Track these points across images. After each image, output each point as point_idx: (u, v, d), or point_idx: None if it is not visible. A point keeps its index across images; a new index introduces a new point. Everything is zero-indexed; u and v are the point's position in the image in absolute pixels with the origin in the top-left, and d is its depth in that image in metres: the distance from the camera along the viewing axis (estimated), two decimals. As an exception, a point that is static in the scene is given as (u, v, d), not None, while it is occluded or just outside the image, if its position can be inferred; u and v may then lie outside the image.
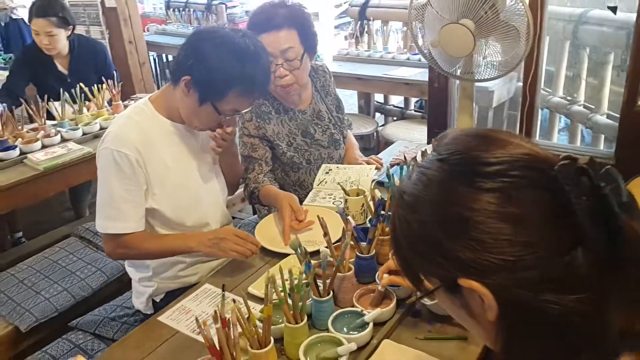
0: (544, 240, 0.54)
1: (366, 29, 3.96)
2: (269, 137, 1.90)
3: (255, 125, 1.88)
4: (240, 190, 2.02)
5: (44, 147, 2.41)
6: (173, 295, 1.61)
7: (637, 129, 2.27)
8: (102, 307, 1.85)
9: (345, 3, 7.46)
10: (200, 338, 1.24)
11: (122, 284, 2.12)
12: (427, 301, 1.21)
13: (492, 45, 1.80)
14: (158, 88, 5.74)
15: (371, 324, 1.15)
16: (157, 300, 1.68)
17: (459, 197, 0.57)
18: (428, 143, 2.54)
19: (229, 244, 1.47)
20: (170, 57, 6.20)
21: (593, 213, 0.52)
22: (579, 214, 0.52)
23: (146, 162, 1.47)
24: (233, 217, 1.90)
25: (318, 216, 1.33)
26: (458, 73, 1.91)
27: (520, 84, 3.22)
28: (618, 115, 2.43)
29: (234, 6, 5.72)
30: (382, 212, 1.39)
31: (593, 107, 3.05)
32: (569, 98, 3.22)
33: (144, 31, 4.39)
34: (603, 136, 3.00)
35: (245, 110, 1.55)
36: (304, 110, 1.98)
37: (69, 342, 1.74)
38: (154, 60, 6.15)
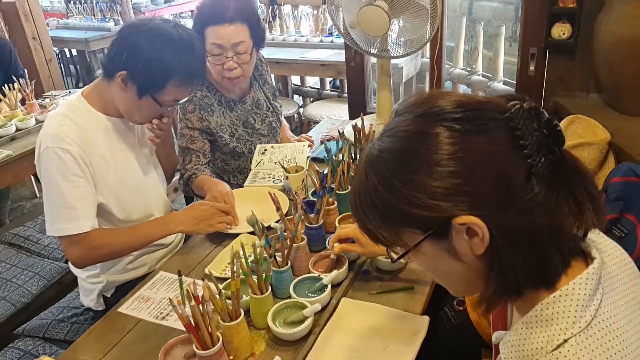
0: (513, 173, 0.61)
1: (277, 14, 3.98)
2: (212, 129, 1.89)
3: (199, 117, 1.86)
4: (175, 179, 2.00)
5: (-43, 154, 2.23)
6: (124, 289, 1.59)
7: (530, 91, 2.52)
8: (47, 310, 1.78)
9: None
10: (165, 323, 1.27)
11: (63, 285, 2.04)
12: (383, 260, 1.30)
13: (404, 23, 1.91)
14: (65, 84, 5.41)
15: (329, 286, 1.23)
16: (108, 296, 1.64)
17: (438, 139, 0.62)
18: (351, 119, 2.64)
19: (215, 218, 1.49)
20: (74, 52, 5.86)
21: (543, 145, 0.61)
22: (532, 148, 0.61)
23: (87, 157, 1.42)
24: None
25: (269, 192, 1.37)
26: (375, 52, 2.01)
27: (425, 59, 3.41)
28: (513, 82, 2.66)
29: (139, -4, 5.48)
30: (326, 185, 1.46)
31: (490, 75, 3.30)
32: (468, 69, 3.45)
33: (45, 26, 4.10)
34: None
35: (184, 100, 1.53)
36: (244, 100, 1.99)
37: (17, 350, 1.66)
38: (57, 55, 5.77)
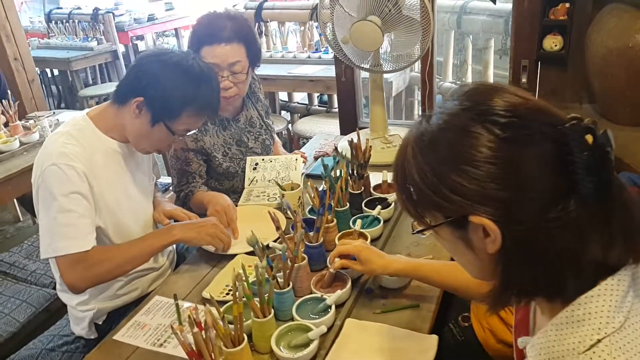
0: (545, 185, 0.61)
1: (264, 31, 4.00)
2: (207, 149, 1.88)
3: (193, 138, 1.85)
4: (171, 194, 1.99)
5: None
6: (117, 315, 1.56)
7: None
8: (36, 339, 1.73)
9: (234, 7, 7.42)
10: (163, 350, 1.25)
11: (52, 312, 1.99)
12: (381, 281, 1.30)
13: (398, 38, 1.93)
14: (48, 105, 5.36)
15: (333, 307, 1.21)
16: (100, 323, 1.60)
17: (478, 140, 0.62)
18: (342, 134, 2.64)
19: (216, 229, 1.51)
20: (56, 72, 5.81)
21: (590, 166, 0.60)
22: (579, 167, 0.60)
23: (91, 177, 1.40)
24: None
25: (269, 211, 1.35)
26: (368, 66, 2.02)
27: (413, 73, 3.44)
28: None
29: (122, 14, 5.48)
30: (324, 202, 1.45)
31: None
32: (458, 82, 3.49)
33: (26, 46, 4.06)
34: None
35: (193, 131, 1.55)
36: (237, 118, 1.98)
37: (6, 382, 1.62)
38: (38, 76, 5.73)
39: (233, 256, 1.53)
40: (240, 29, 1.78)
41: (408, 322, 1.22)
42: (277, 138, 2.26)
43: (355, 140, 1.71)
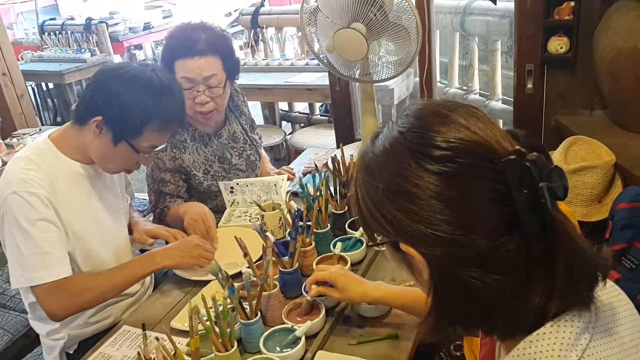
0: (479, 224, 0.62)
1: (260, 37, 4.02)
2: (186, 167, 1.87)
3: (171, 157, 1.85)
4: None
5: None
6: (88, 344, 1.55)
7: (529, 109, 2.51)
8: (9, 369, 1.74)
9: (235, 11, 7.49)
10: (126, 384, 1.23)
11: (30, 339, 1.99)
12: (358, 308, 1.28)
13: (385, 45, 1.91)
14: (41, 120, 5.44)
15: (303, 338, 1.19)
16: (71, 352, 1.61)
17: (408, 172, 0.64)
18: (337, 147, 2.62)
19: (199, 249, 1.52)
20: (50, 85, 5.92)
21: (530, 206, 0.60)
22: (518, 205, 0.60)
23: (54, 202, 1.41)
24: (141, 251, 1.86)
25: (235, 237, 1.34)
26: (357, 75, 2.00)
27: (417, 79, 3.41)
28: (512, 99, 2.66)
29: (116, 23, 5.56)
30: (301, 224, 1.43)
31: (488, 94, 3.30)
32: (464, 88, 3.46)
33: (18, 60, 4.14)
34: (501, 121, 3.25)
35: (162, 147, 1.56)
36: (219, 134, 1.98)
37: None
38: (33, 90, 5.84)
39: (207, 282, 1.51)
40: (214, 40, 1.78)
41: (385, 354, 1.20)
42: (264, 153, 2.25)
43: (339, 156, 1.69)
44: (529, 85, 2.42)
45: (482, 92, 3.39)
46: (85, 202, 1.52)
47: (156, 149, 1.54)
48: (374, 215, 0.68)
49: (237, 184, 1.90)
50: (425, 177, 0.63)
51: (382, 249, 1.26)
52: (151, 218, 2.04)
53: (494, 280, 0.62)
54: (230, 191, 1.90)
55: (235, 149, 2.01)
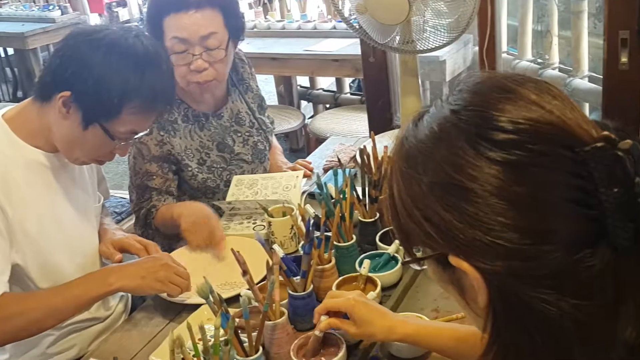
0: (554, 231, 0.60)
1: (276, -7, 4.05)
2: (176, 155, 1.89)
3: (157, 141, 1.86)
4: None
5: None
6: (46, 381, 1.59)
7: (624, 92, 2.46)
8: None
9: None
10: None
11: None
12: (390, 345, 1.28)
13: (434, 3, 1.90)
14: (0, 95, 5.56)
15: (316, 384, 1.19)
16: (25, 390, 1.64)
17: (462, 161, 0.63)
18: (370, 136, 2.62)
19: (168, 271, 1.50)
20: (10, 51, 6.04)
21: (622, 208, 0.58)
22: (606, 207, 0.58)
23: (3, 199, 1.42)
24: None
25: (232, 249, 1.35)
26: (396, 44, 1.99)
27: (477, 48, 3.38)
28: (601, 77, 2.62)
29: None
30: (317, 234, 1.43)
31: (571, 69, 3.26)
32: (539, 60, 3.42)
33: (-32, 19, 4.25)
34: (587, 105, 3.20)
35: (143, 133, 1.57)
36: (220, 114, 2.00)
37: None
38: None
39: (196, 307, 1.52)
40: None
41: (422, 406, 1.19)
42: (275, 142, 2.26)
43: (369, 148, 1.69)
44: (623, 59, 2.38)
45: (562, 66, 3.34)
46: (46, 199, 1.53)
47: (136, 136, 1.55)
48: (414, 218, 0.68)
49: (250, 178, 1.95)
50: (485, 167, 0.62)
51: (424, 267, 1.24)
52: (131, 222, 2.07)
53: (573, 305, 0.61)
54: (237, 186, 1.93)
55: (239, 134, 2.03)
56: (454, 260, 0.65)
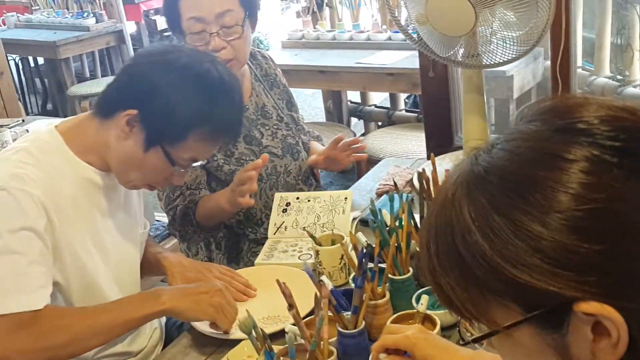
0: None
1: (326, 0, 4.08)
2: None
3: None
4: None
5: None
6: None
7: None
8: None
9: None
10: None
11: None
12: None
13: (502, 14, 1.89)
14: (26, 108, 5.70)
15: None
16: None
17: (570, 171, 0.60)
18: (428, 158, 2.60)
19: (222, 298, 1.54)
20: (40, 60, 6.19)
21: None
22: None
23: (51, 212, 1.44)
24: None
25: (277, 280, 1.35)
26: (459, 57, 1.99)
27: (549, 62, 3.35)
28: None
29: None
30: (370, 266, 1.43)
31: (655, 87, 3.20)
32: (619, 77, 3.36)
33: (-1, 25, 4.39)
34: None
35: (200, 163, 1.61)
36: (245, 106, 2.04)
37: None
38: (16, 66, 6.12)
39: (237, 342, 1.53)
40: None
41: None
42: (313, 141, 2.32)
43: (428, 171, 1.68)
44: None
45: (645, 84, 3.29)
46: (93, 219, 1.57)
47: (194, 164, 1.59)
48: (520, 259, 0.61)
49: (297, 199, 1.95)
50: (610, 172, 0.60)
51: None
52: (168, 245, 2.10)
53: None
54: (284, 210, 1.95)
55: (266, 127, 2.11)
56: (589, 306, 0.59)
